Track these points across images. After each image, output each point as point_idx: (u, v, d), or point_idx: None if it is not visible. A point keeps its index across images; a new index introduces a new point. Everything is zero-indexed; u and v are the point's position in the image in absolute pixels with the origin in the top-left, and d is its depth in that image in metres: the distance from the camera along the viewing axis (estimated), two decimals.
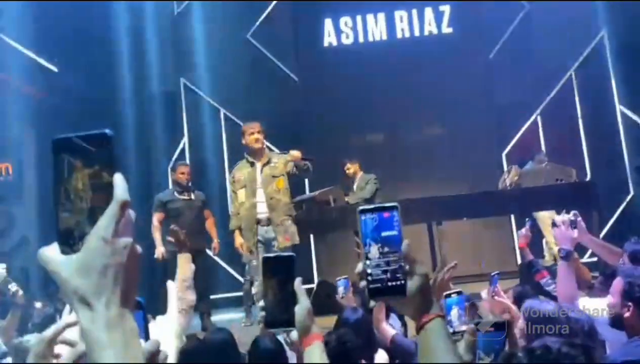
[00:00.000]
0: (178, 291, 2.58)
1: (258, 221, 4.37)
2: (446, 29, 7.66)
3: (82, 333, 0.55)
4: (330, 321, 3.13)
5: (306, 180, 7.41)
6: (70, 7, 6.32)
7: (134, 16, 6.84)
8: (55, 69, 7.16)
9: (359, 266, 0.90)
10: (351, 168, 6.13)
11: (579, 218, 2.28)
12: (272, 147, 7.32)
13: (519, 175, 5.76)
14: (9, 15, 6.07)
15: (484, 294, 2.53)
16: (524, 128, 7.42)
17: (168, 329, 1.00)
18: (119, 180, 0.58)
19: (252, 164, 4.44)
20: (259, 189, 4.39)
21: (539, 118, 7.42)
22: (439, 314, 0.89)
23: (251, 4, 7.50)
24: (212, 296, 5.81)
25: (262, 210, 4.37)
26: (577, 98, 7.34)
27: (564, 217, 2.27)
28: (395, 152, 7.35)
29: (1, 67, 6.14)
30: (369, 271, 0.88)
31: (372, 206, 0.92)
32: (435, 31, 7.65)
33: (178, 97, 7.32)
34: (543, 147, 7.16)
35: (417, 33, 7.66)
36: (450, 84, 7.15)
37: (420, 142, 7.61)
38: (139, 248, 0.59)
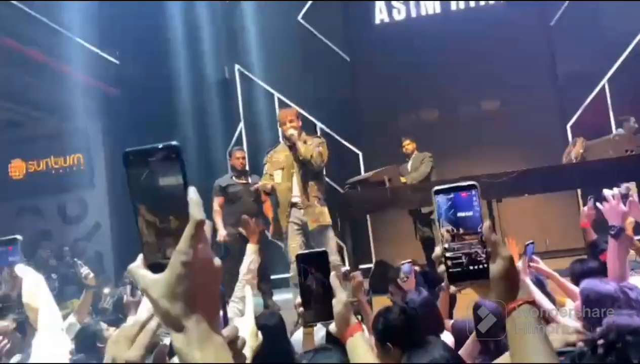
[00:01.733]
0: (244, 278, 2.68)
1: (293, 204, 4.42)
2: None
3: (176, 352, 0.58)
4: (387, 301, 3.14)
5: (361, 161, 7.43)
6: (127, 2, 6.57)
7: (187, 6, 7.01)
8: (116, 61, 7.49)
9: (437, 250, 0.85)
10: (409, 145, 6.03)
11: (632, 192, 2.09)
12: (325, 128, 7.37)
13: (584, 148, 5.47)
14: (71, 12, 6.38)
15: (520, 264, 2.40)
16: (590, 98, 7.03)
17: (245, 330, 1.04)
18: (193, 196, 0.58)
19: (290, 148, 4.46)
20: (295, 173, 4.42)
21: (606, 87, 7.00)
22: (527, 300, 0.82)
23: None
24: (272, 276, 5.97)
25: (296, 193, 4.42)
26: None
27: (614, 191, 2.02)
28: (451, 128, 7.17)
29: (66, 62, 6.49)
30: (447, 255, 0.84)
31: (447, 186, 0.86)
32: (491, 1, 7.35)
33: (233, 83, 7.48)
34: (612, 117, 6.76)
35: (472, 4, 7.39)
36: (508, 56, 6.88)
37: (477, 116, 7.39)
38: (218, 262, 0.60)
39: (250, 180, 5.41)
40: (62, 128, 7.52)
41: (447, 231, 0.84)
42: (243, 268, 2.73)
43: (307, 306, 1.13)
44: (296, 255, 1.16)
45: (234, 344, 0.68)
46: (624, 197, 1.99)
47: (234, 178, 5.36)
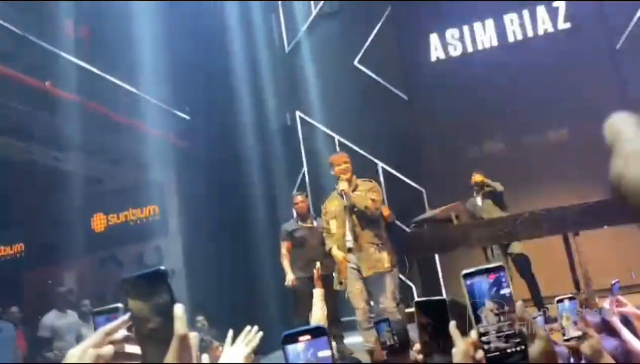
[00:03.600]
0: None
1: (349, 250, 4.41)
2: (562, 25, 7.20)
3: None
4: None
5: (425, 198, 7.35)
6: (194, 57, 7.02)
7: (250, 59, 7.40)
8: (187, 117, 7.96)
9: (472, 334, 0.85)
10: (478, 177, 5.91)
11: None
12: (388, 168, 7.40)
13: None
14: (142, 72, 6.90)
15: (607, 305, 2.27)
16: None
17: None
18: (178, 313, 0.69)
19: (342, 196, 4.48)
20: (347, 218, 4.41)
21: None
22: None
23: (356, 31, 7.73)
24: (342, 319, 5.94)
25: (350, 238, 4.41)
26: None
27: None
28: (517, 161, 6.99)
29: (140, 118, 6.97)
30: (483, 339, 0.84)
31: (475, 269, 0.87)
32: (550, 29, 7.23)
33: (295, 129, 7.73)
34: None
35: (530, 34, 7.30)
36: (572, 82, 6.68)
37: (543, 147, 7.16)
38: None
39: (315, 224, 5.49)
40: (138, 181, 8.02)
41: (480, 315, 0.84)
42: (315, 316, 2.78)
43: (427, 356, 1.12)
44: (414, 302, 1.17)
45: None
46: None
47: (299, 222, 5.47)
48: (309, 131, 7.71)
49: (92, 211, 8.50)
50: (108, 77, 6.79)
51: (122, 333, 0.80)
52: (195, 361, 0.71)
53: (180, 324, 0.68)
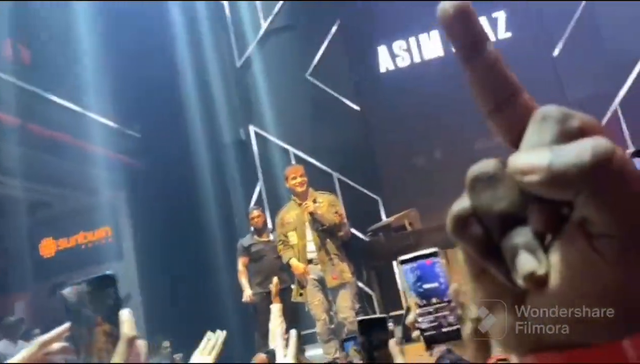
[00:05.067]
0: (275, 341, 2.70)
1: (310, 261, 4.44)
2: (503, 35, 7.50)
3: None
4: (419, 348, 3.09)
5: (381, 206, 7.45)
6: (143, 74, 6.90)
7: (200, 75, 7.35)
8: (137, 135, 7.81)
9: (410, 317, 0.89)
10: None
11: None
12: (342, 178, 7.47)
13: None
14: (89, 91, 6.73)
15: None
16: (603, 122, 7.00)
17: None
18: (125, 317, 0.69)
19: (300, 205, 4.52)
20: (308, 229, 4.44)
21: (618, 110, 6.98)
22: (499, 358, 0.84)
23: (307, 45, 7.81)
24: (303, 332, 5.91)
25: (312, 249, 4.44)
26: None
27: None
28: (468, 167, 7.17)
29: (88, 139, 6.79)
30: (419, 320, 0.88)
31: (410, 255, 0.90)
32: (492, 38, 7.50)
33: (249, 144, 7.70)
34: (628, 139, 6.71)
35: None
36: None
37: (493, 153, 7.28)
38: None
39: (272, 238, 5.47)
40: (89, 203, 7.78)
41: (417, 297, 0.88)
42: (274, 331, 2.76)
43: None
44: (358, 321, 1.19)
45: None
46: None
47: (255, 237, 5.43)
48: (264, 145, 7.70)
49: (41, 236, 8.18)
50: (52, 97, 6.60)
51: (58, 344, 0.78)
52: None
53: (127, 327, 0.67)
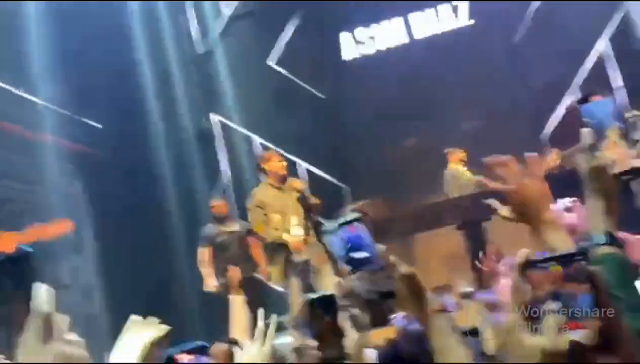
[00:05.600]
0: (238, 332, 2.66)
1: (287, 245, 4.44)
2: (467, 22, 7.58)
3: None
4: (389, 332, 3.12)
5: (348, 195, 7.47)
6: (102, 64, 6.69)
7: (160, 62, 7.15)
8: (98, 125, 7.57)
9: (343, 284, 0.92)
10: None
11: (578, 204, 1.94)
12: (308, 166, 7.45)
13: (561, 157, 5.56)
14: (43, 79, 6.48)
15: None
16: (561, 108, 7.18)
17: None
18: (37, 291, 0.66)
19: (279, 188, 4.49)
20: (291, 212, 4.44)
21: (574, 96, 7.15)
22: (436, 310, 0.91)
23: (270, 32, 7.70)
24: (268, 321, 5.90)
25: (296, 233, 4.43)
26: (614, 71, 7.07)
27: (560, 203, 1.92)
28: (431, 151, 7.25)
29: (41, 129, 6.56)
30: (352, 284, 0.90)
31: (335, 224, 0.94)
32: (455, 26, 7.58)
33: (212, 132, 7.56)
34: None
35: (436, 31, 7.61)
36: (478, 75, 7.04)
37: (457, 139, 7.47)
38: (70, 350, 0.67)
39: (237, 227, 5.42)
40: (49, 196, 7.53)
41: (350, 262, 0.92)
42: (239, 323, 2.72)
43: (320, 347, 1.16)
44: (308, 300, 1.19)
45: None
46: (568, 210, 1.95)
47: (219, 226, 5.36)
48: (227, 133, 7.57)
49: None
50: (8, 87, 6.33)
51: None
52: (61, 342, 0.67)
53: (39, 302, 0.66)
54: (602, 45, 7.13)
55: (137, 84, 6.96)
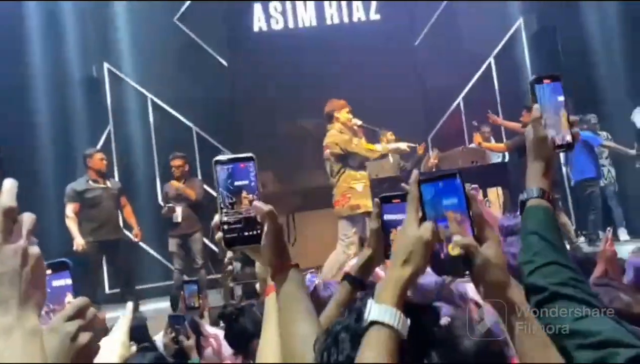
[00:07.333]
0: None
1: None
2: (374, 16, 7.78)
3: None
4: None
5: None
6: None
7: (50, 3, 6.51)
8: None
9: (216, 218, 0.91)
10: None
11: (474, 191, 2.11)
12: (200, 132, 7.29)
13: (439, 158, 5.97)
14: None
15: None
16: (447, 113, 7.69)
17: (116, 340, 1.05)
18: (6, 186, 0.62)
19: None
20: None
21: (461, 104, 7.69)
22: (293, 264, 0.92)
23: None
24: (138, 287, 5.73)
25: None
26: (496, 84, 7.69)
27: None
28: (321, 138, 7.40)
29: None
30: (224, 219, 0.89)
31: (226, 157, 0.92)
32: (363, 18, 7.75)
33: (102, 82, 7.08)
34: (465, 131, 7.44)
35: (345, 19, 7.74)
36: (378, 70, 7.26)
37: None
38: (34, 250, 0.63)
39: (109, 184, 5.17)
40: None
41: (225, 199, 0.90)
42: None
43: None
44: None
45: (83, 314, 0.68)
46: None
47: (91, 182, 5.07)
48: (118, 86, 7.13)
49: None
50: None
51: None
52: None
53: (4, 197, 0.61)
54: (492, 60, 7.72)
55: (21, 20, 6.27)
